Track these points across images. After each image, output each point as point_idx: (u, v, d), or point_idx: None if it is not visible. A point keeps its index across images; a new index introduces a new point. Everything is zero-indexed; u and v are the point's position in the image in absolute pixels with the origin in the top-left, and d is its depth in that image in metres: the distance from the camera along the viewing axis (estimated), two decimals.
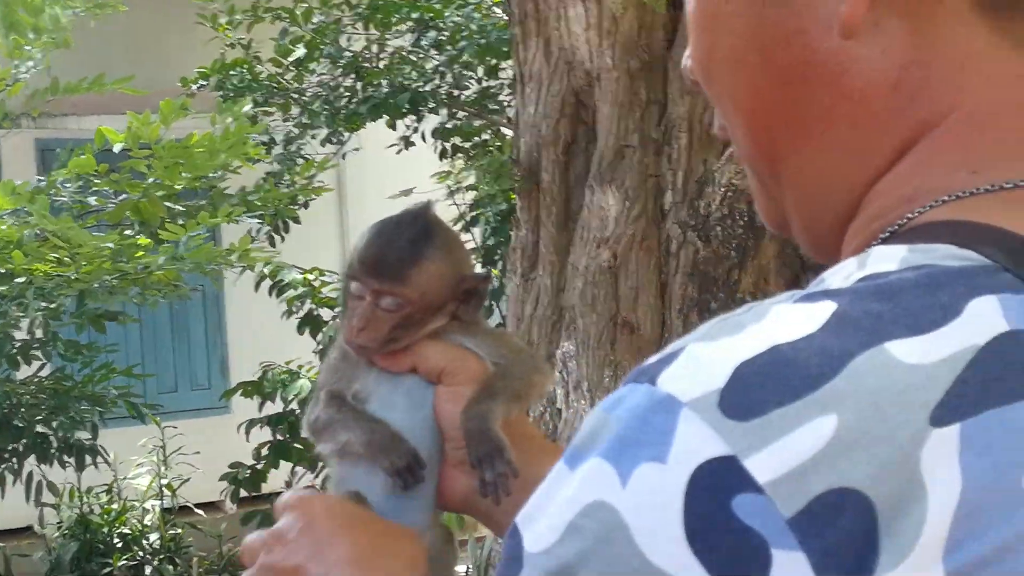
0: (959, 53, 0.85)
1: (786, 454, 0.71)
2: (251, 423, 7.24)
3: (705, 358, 0.75)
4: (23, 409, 6.62)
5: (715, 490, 0.71)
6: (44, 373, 6.99)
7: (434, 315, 1.36)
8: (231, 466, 7.38)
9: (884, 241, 0.84)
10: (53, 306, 6.26)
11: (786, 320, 0.76)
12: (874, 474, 0.70)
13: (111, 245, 5.85)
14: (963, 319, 0.74)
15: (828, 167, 0.88)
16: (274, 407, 7.26)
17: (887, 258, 0.79)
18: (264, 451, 7.27)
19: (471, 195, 7.77)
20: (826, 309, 0.75)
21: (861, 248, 0.84)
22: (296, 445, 7.23)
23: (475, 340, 1.38)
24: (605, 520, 0.74)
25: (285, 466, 7.32)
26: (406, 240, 1.34)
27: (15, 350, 6.69)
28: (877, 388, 0.72)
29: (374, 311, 1.34)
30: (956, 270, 0.77)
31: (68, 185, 6.30)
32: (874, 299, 0.76)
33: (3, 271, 5.90)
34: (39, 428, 6.67)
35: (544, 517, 0.78)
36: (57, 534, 7.76)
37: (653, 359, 0.78)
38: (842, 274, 0.80)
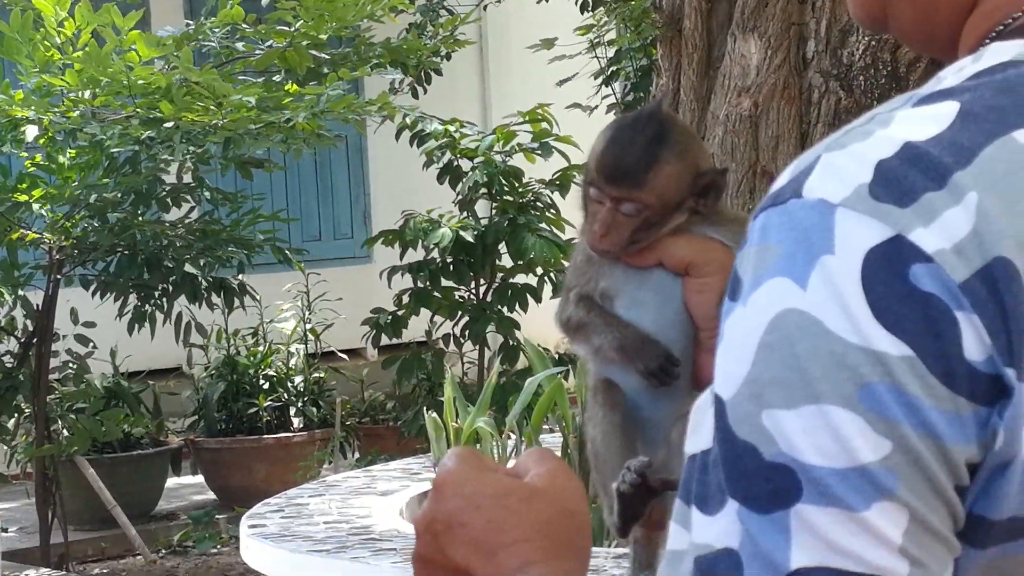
0: None
1: (946, 230, 0.74)
2: (392, 270, 7.35)
3: (843, 162, 0.78)
4: (172, 250, 6.79)
5: (890, 265, 0.75)
6: (192, 217, 7.12)
7: (674, 213, 1.37)
8: (372, 312, 7.51)
9: (999, 36, 0.85)
10: (200, 151, 6.38)
11: (913, 122, 0.78)
12: (1017, 245, 0.74)
13: (252, 101, 5.92)
14: None
15: None
16: (415, 255, 7.35)
17: (1003, 52, 0.81)
18: (405, 298, 7.39)
19: (612, 50, 7.70)
20: (950, 109, 0.78)
21: (977, 45, 0.86)
22: (435, 293, 7.33)
23: (719, 229, 1.38)
24: (795, 323, 0.76)
25: (425, 313, 7.43)
26: (641, 144, 1.36)
27: (164, 193, 6.85)
28: (1009, 171, 0.75)
29: (615, 216, 1.36)
30: None
31: (216, 31, 6.38)
32: (995, 95, 0.78)
33: (152, 117, 6.03)
34: (188, 268, 6.84)
35: (730, 357, 0.79)
36: (205, 374, 7.98)
37: (785, 179, 0.79)
38: (958, 70, 0.82)
